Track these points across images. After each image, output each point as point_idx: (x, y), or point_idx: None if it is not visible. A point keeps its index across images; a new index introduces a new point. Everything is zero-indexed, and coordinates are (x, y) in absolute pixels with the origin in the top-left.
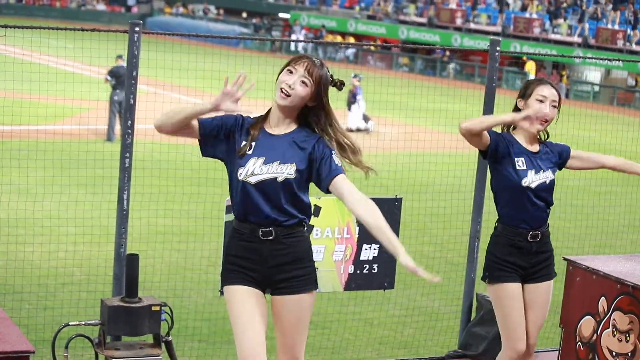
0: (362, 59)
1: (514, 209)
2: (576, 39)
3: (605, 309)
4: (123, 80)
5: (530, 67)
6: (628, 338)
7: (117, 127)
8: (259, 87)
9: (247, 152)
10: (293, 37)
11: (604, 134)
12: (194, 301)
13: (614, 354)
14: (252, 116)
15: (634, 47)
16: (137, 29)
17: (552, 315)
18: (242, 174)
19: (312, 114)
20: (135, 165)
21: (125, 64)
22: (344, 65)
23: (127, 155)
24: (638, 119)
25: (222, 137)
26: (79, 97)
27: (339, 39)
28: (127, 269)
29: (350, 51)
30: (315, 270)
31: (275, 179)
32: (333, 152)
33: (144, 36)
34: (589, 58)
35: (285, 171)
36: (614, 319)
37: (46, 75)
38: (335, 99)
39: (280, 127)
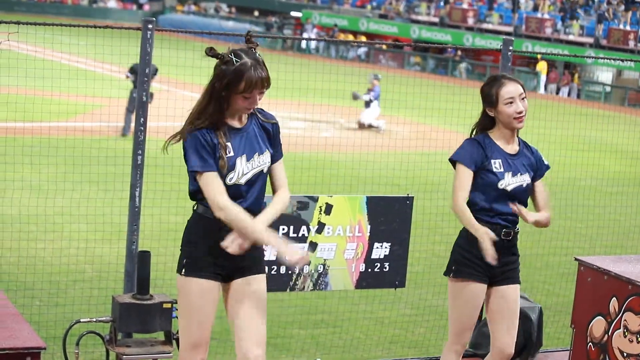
0: (373, 58)
1: (490, 205)
2: (588, 39)
3: (617, 310)
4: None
5: (541, 67)
6: (639, 339)
7: (133, 125)
8: (275, 85)
9: (229, 155)
10: (305, 35)
11: (614, 135)
12: None
13: (625, 354)
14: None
15: None
16: (150, 26)
17: (563, 315)
18: (232, 178)
19: None
20: (148, 162)
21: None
22: (355, 64)
23: (140, 152)
24: None
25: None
26: (91, 94)
27: (350, 37)
28: (139, 266)
29: (362, 50)
30: None
31: (262, 171)
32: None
33: (158, 34)
34: (601, 58)
35: (266, 161)
36: (625, 320)
37: (58, 72)
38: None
39: (241, 120)
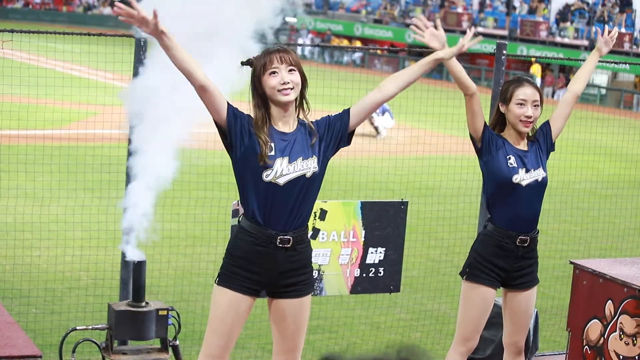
0: (368, 63)
1: (506, 209)
2: (583, 42)
3: (612, 313)
4: None
5: (535, 69)
6: (635, 341)
7: None
8: None
9: (270, 153)
10: (300, 41)
11: (610, 137)
12: (201, 305)
13: (621, 357)
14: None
15: None
16: (144, 33)
17: (559, 318)
18: (269, 175)
19: (300, 94)
20: None
21: None
22: (350, 69)
23: None
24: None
25: (240, 129)
26: (86, 101)
27: (345, 43)
28: (134, 273)
29: (357, 55)
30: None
31: (304, 175)
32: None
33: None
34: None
35: (311, 166)
36: (621, 323)
37: (53, 79)
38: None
39: (289, 126)
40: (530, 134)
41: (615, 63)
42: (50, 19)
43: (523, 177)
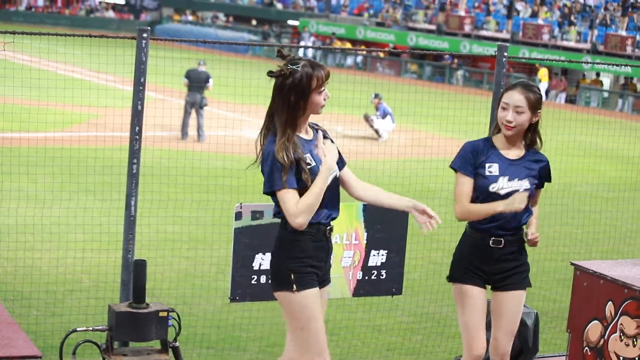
0: (370, 65)
1: None
2: (585, 45)
3: (613, 314)
4: (195, 82)
5: (542, 73)
6: (635, 342)
7: (192, 127)
8: (267, 93)
9: (313, 164)
10: (302, 44)
11: (611, 140)
12: (203, 308)
13: (621, 358)
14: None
15: None
16: (144, 35)
17: (559, 320)
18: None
19: None
20: (144, 171)
21: (203, 69)
22: (352, 72)
23: (135, 161)
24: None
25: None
26: (87, 103)
27: (348, 45)
28: (135, 274)
29: (359, 58)
30: None
31: (336, 176)
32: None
33: (154, 43)
34: (597, 63)
35: (335, 167)
36: (621, 324)
37: (54, 82)
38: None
39: (307, 132)
40: (537, 144)
41: (616, 65)
42: (53, 22)
43: (502, 186)
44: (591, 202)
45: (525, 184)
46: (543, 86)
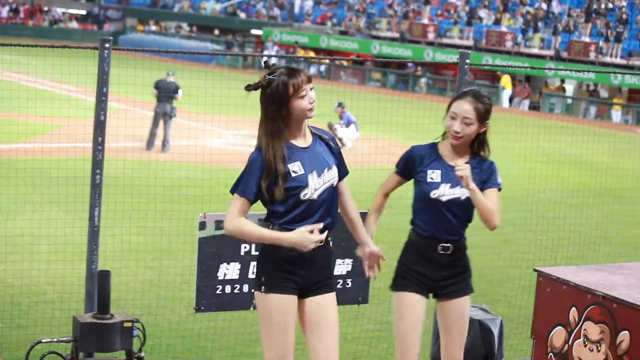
0: (334, 74)
1: (425, 219)
2: (549, 52)
3: (576, 319)
4: (164, 93)
5: (505, 81)
6: (599, 348)
7: (159, 137)
8: (230, 102)
9: (300, 173)
10: (266, 53)
11: (575, 146)
12: (168, 319)
13: None
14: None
15: (607, 59)
16: (107, 45)
17: (525, 326)
18: (307, 194)
19: None
20: (108, 182)
21: (172, 79)
22: (316, 81)
23: (98, 171)
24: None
25: (263, 183)
26: (50, 114)
27: (311, 54)
28: (99, 285)
29: (323, 67)
30: None
31: (332, 185)
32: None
33: (116, 53)
34: (560, 70)
35: (335, 175)
36: (585, 329)
37: (17, 92)
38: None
39: (305, 139)
40: (483, 154)
41: (578, 71)
42: (17, 32)
43: (444, 193)
44: (555, 208)
45: (467, 191)
46: (507, 93)
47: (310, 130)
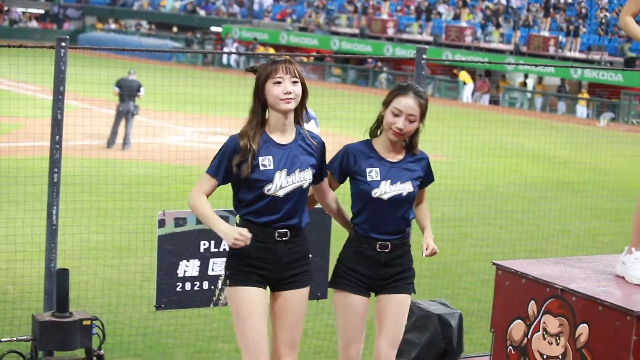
0: None
1: (365, 217)
2: (508, 46)
3: (535, 313)
4: (127, 91)
5: (463, 76)
6: (558, 341)
7: (120, 135)
8: (193, 100)
9: (269, 167)
10: (225, 50)
11: (535, 140)
12: (129, 316)
13: (545, 357)
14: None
15: (567, 53)
16: (63, 44)
17: (485, 320)
18: (270, 189)
19: (299, 105)
20: (68, 181)
21: (134, 77)
22: None
23: (56, 170)
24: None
25: (233, 167)
26: (8, 114)
27: (271, 51)
28: (58, 284)
29: None
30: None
31: (301, 186)
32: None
33: (76, 52)
34: (520, 64)
35: (307, 177)
36: (544, 322)
37: None
38: None
39: (286, 136)
40: (415, 150)
41: (535, 66)
42: None
43: (385, 191)
44: (515, 202)
45: (407, 187)
46: (469, 88)
47: (299, 130)
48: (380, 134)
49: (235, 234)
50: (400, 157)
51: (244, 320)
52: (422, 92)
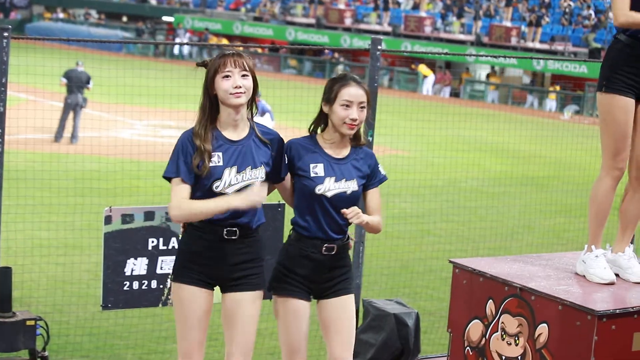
0: None
1: (308, 218)
2: (469, 37)
3: (494, 312)
4: (75, 83)
5: (422, 69)
6: (517, 341)
7: (68, 129)
8: (142, 92)
9: (218, 164)
10: (177, 40)
11: (497, 134)
12: (76, 316)
13: (503, 358)
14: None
15: (529, 44)
16: (5, 34)
17: (444, 320)
18: (219, 186)
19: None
20: (14, 175)
21: (82, 68)
22: None
23: None
24: (531, 117)
25: (194, 167)
26: None
27: (224, 42)
28: (0, 283)
29: None
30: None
31: (253, 185)
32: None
33: (22, 42)
34: (481, 56)
35: (259, 175)
36: (502, 322)
37: None
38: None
39: (238, 132)
40: (361, 140)
41: (495, 57)
42: None
43: (329, 188)
44: (477, 197)
45: (352, 185)
46: (430, 80)
47: (253, 127)
48: (323, 131)
49: (248, 197)
50: (346, 152)
51: (182, 323)
52: (359, 78)
